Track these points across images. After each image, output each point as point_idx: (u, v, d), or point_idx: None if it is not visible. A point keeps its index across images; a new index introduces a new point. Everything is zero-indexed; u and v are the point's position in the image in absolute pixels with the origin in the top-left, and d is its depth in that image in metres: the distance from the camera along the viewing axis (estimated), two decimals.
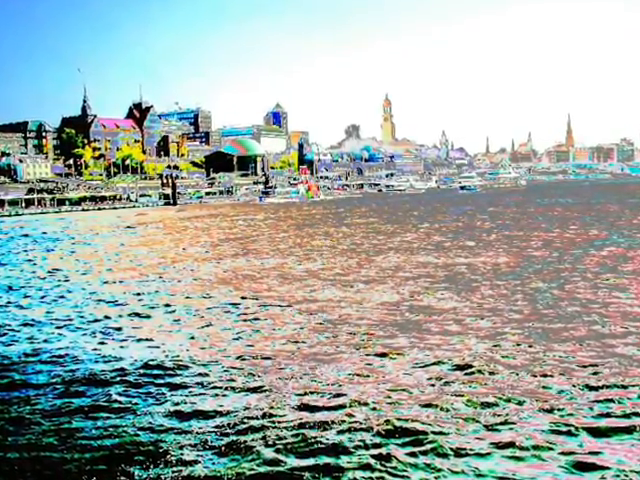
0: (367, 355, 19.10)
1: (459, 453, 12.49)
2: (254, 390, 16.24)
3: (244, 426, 13.98)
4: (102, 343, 21.85)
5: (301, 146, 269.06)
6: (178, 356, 19.66)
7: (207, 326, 23.85)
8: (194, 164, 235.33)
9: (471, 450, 12.56)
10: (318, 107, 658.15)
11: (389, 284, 31.09)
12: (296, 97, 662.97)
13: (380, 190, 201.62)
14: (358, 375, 17.15)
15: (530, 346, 19.36)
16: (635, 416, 13.91)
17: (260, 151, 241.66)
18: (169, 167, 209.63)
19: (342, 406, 14.89)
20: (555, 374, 16.66)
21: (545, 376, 16.53)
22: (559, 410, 14.28)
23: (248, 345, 20.85)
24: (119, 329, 23.82)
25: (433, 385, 16.26)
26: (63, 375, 18.11)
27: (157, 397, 16.14)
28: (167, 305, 28.03)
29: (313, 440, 13.18)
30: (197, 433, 13.74)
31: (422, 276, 33.13)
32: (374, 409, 14.67)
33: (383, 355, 18.98)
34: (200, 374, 17.78)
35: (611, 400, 14.74)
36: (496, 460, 12.25)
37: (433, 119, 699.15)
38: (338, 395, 15.62)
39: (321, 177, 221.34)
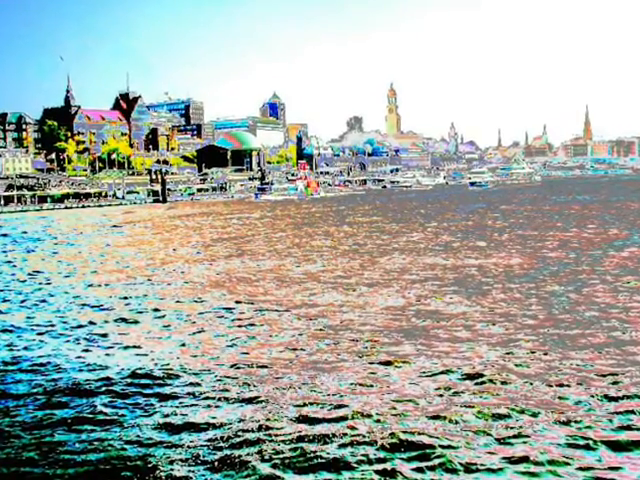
0: (370, 363, 19.12)
1: (469, 468, 12.51)
2: (249, 401, 16.26)
3: (239, 439, 14.00)
4: (86, 351, 21.88)
5: (300, 139, 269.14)
6: (168, 364, 19.68)
7: (199, 332, 23.88)
8: (185, 159, 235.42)
9: (482, 465, 12.58)
10: (318, 98, 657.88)
11: (394, 287, 31.12)
12: (294, 87, 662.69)
13: (384, 186, 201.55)
14: (361, 385, 17.17)
15: (545, 354, 19.39)
16: None
17: (256, 145, 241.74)
18: (158, 162, 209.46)
19: (344, 418, 14.91)
20: (572, 384, 16.68)
21: (561, 386, 16.56)
22: (576, 422, 14.30)
23: (243, 353, 20.88)
24: (105, 336, 23.85)
25: (441, 395, 16.28)
26: (45, 385, 18.13)
27: (145, 408, 16.16)
28: (156, 310, 28.05)
29: (313, 454, 13.20)
30: (188, 447, 13.76)
31: (429, 279, 33.16)
32: (378, 421, 14.69)
33: (388, 363, 19.01)
34: (191, 384, 17.80)
35: (632, 411, 14.78)
36: (509, 476, 12.28)
37: (441, 110, 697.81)
38: (339, 406, 15.64)
39: (321, 173, 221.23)
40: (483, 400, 15.81)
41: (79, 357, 21.01)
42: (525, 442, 13.47)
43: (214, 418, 15.18)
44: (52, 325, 25.90)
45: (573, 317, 24.01)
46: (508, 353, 19.58)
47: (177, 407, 16.06)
